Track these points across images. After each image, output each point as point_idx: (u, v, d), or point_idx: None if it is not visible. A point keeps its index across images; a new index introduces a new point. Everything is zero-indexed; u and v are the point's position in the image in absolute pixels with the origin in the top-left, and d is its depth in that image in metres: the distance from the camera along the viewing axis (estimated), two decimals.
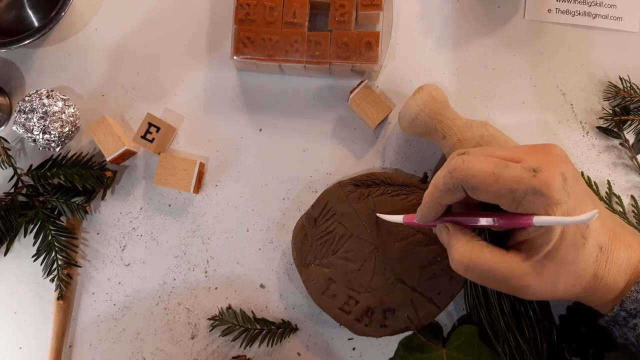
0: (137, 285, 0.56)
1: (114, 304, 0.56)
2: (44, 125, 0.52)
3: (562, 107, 0.57)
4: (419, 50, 0.58)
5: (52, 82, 0.58)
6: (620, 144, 0.56)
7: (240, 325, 0.54)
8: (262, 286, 0.56)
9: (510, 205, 0.39)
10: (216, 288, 0.56)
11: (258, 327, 0.54)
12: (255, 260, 0.56)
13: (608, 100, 0.57)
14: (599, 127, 0.57)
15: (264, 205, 0.56)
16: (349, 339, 0.55)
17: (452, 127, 0.50)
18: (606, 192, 0.55)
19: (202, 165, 0.56)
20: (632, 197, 0.55)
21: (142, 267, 0.56)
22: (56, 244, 0.55)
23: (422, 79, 0.57)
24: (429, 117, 0.50)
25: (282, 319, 0.55)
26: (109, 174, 0.55)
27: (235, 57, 0.53)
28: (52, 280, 0.55)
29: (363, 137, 0.57)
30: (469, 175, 0.39)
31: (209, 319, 0.55)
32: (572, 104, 0.57)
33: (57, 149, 0.55)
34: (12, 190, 0.55)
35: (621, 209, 0.54)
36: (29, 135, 0.53)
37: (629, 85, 0.56)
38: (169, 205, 0.57)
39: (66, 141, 0.55)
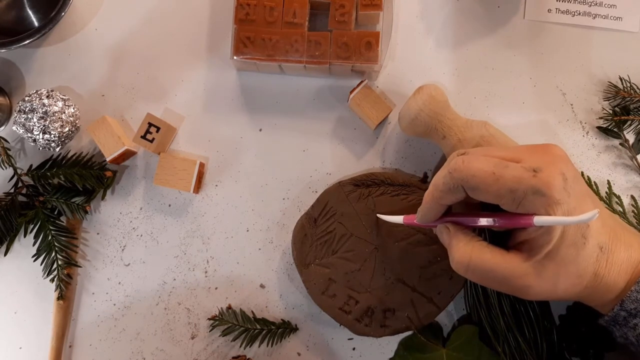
0: (137, 285, 0.56)
1: (114, 304, 0.56)
2: (44, 125, 0.52)
3: (562, 107, 0.57)
4: (419, 50, 0.58)
5: (52, 82, 0.58)
6: (620, 144, 0.56)
7: (240, 325, 0.54)
8: (262, 286, 0.56)
9: (510, 205, 0.39)
10: (216, 288, 0.56)
11: (258, 327, 0.54)
12: (255, 260, 0.56)
13: (608, 100, 0.57)
14: (599, 127, 0.57)
15: (264, 205, 0.56)
16: (349, 339, 0.55)
17: (452, 127, 0.50)
18: (606, 192, 0.55)
19: (202, 165, 0.56)
20: (632, 197, 0.55)
21: (142, 267, 0.56)
22: (56, 244, 0.55)
23: (422, 79, 0.57)
24: (429, 117, 0.50)
25: (282, 319, 0.55)
26: (109, 174, 0.55)
27: (235, 57, 0.53)
28: (52, 280, 0.55)
29: (363, 137, 0.57)
30: (469, 176, 0.39)
31: (209, 319, 0.55)
32: (572, 104, 0.57)
33: (57, 149, 0.55)
34: (12, 190, 0.55)
35: (621, 209, 0.54)
36: (29, 135, 0.53)
37: (629, 85, 0.56)
38: (169, 205, 0.57)
39: (66, 141, 0.55)
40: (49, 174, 0.55)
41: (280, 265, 0.56)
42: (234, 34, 0.53)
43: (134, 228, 0.56)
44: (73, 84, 0.58)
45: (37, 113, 0.52)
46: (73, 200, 0.55)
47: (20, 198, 0.56)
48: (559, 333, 0.52)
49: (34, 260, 0.55)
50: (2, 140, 0.56)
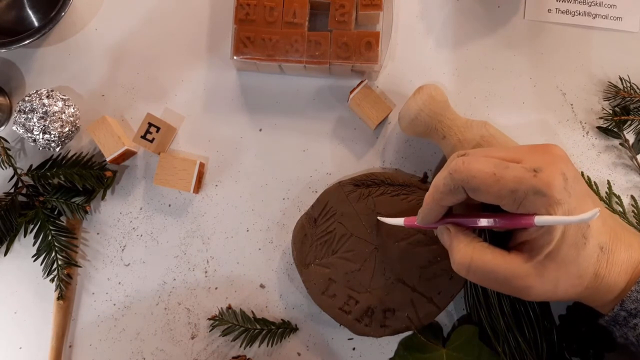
0: (137, 285, 0.56)
1: (114, 304, 0.56)
2: (44, 125, 0.52)
3: (562, 107, 0.57)
4: (419, 50, 0.58)
5: (52, 82, 0.58)
6: (620, 144, 0.56)
7: (240, 325, 0.54)
8: (262, 286, 0.56)
9: (511, 205, 0.39)
10: (216, 288, 0.56)
11: (258, 327, 0.54)
12: (255, 260, 0.56)
13: (608, 100, 0.57)
14: (599, 127, 0.57)
15: (264, 205, 0.56)
16: (349, 339, 0.55)
17: (452, 127, 0.50)
18: (606, 192, 0.55)
19: (202, 165, 0.56)
20: (632, 197, 0.55)
21: (142, 267, 0.56)
22: (56, 244, 0.55)
23: (422, 79, 0.57)
24: (428, 117, 0.50)
25: (282, 319, 0.55)
26: (109, 174, 0.55)
27: (235, 57, 0.53)
28: (52, 280, 0.55)
29: (363, 137, 0.57)
30: (470, 177, 0.39)
31: (209, 319, 0.55)
32: (572, 104, 0.57)
33: (57, 149, 0.55)
34: (12, 190, 0.55)
35: (621, 209, 0.54)
36: (29, 135, 0.53)
37: (629, 85, 0.56)
38: (169, 205, 0.57)
39: (66, 141, 0.55)
40: (49, 174, 0.55)
41: (280, 265, 0.56)
42: (234, 34, 0.53)
43: (134, 228, 0.56)
44: (73, 84, 0.58)
45: (37, 113, 0.52)
46: (73, 200, 0.55)
47: (20, 198, 0.56)
48: (559, 333, 0.52)
49: (34, 260, 0.55)
50: (2, 140, 0.56)
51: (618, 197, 0.55)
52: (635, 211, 0.55)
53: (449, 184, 0.40)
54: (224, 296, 0.56)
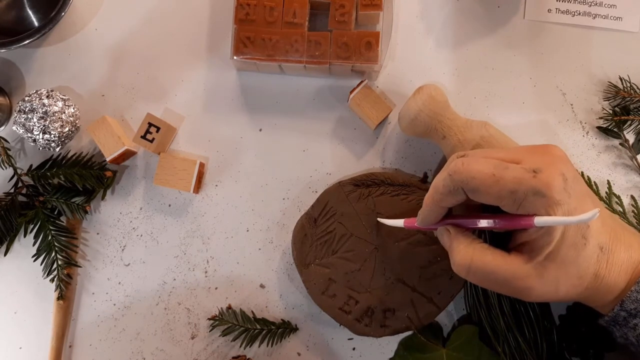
0: (137, 285, 0.56)
1: (114, 304, 0.56)
2: (44, 125, 0.52)
3: (562, 107, 0.57)
4: (419, 50, 0.58)
5: (52, 82, 0.58)
6: (620, 144, 0.56)
7: (240, 325, 0.54)
8: (262, 286, 0.56)
9: (511, 206, 0.39)
10: (216, 288, 0.56)
11: (258, 327, 0.54)
12: (255, 260, 0.56)
13: (608, 100, 0.57)
14: (599, 127, 0.57)
15: (264, 205, 0.56)
16: (349, 339, 0.55)
17: (452, 127, 0.50)
18: (606, 192, 0.55)
19: (202, 165, 0.56)
20: (632, 197, 0.55)
21: (142, 267, 0.56)
22: (56, 244, 0.55)
23: (422, 79, 0.57)
24: (428, 118, 0.50)
25: (282, 319, 0.55)
26: (109, 174, 0.55)
27: (235, 57, 0.53)
28: (52, 280, 0.55)
29: (363, 137, 0.57)
30: (469, 178, 0.39)
31: (209, 319, 0.55)
32: (572, 104, 0.57)
33: (57, 149, 0.55)
34: (12, 190, 0.55)
35: (621, 209, 0.54)
36: (29, 135, 0.53)
37: (629, 85, 0.56)
38: (169, 205, 0.57)
39: (66, 141, 0.55)
40: (49, 174, 0.55)
41: (280, 265, 0.56)
42: (234, 34, 0.53)
43: (134, 228, 0.56)
44: (73, 84, 0.58)
45: (37, 113, 0.52)
46: (73, 200, 0.55)
47: (20, 198, 0.56)
48: (559, 333, 0.52)
49: (34, 260, 0.55)
50: (2, 140, 0.56)
51: (618, 197, 0.55)
52: (635, 211, 0.55)
53: (449, 185, 0.40)
54: (224, 296, 0.56)
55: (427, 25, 0.58)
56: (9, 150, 0.56)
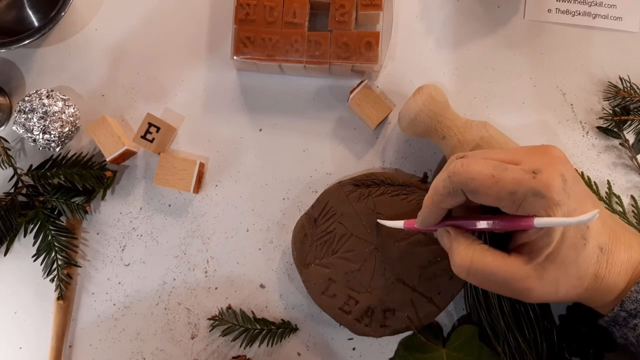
0: (137, 285, 0.56)
1: (114, 304, 0.56)
2: (44, 125, 0.52)
3: (562, 107, 0.57)
4: (419, 50, 0.58)
5: (52, 82, 0.58)
6: (620, 144, 0.56)
7: (240, 325, 0.54)
8: (262, 286, 0.56)
9: (510, 207, 0.39)
10: (216, 288, 0.56)
11: (258, 327, 0.54)
12: (255, 260, 0.56)
13: (608, 100, 0.57)
14: (599, 127, 0.57)
15: (264, 205, 0.56)
16: (349, 339, 0.55)
17: (451, 128, 0.50)
18: (606, 192, 0.55)
19: (202, 165, 0.56)
20: (632, 197, 0.55)
21: (142, 267, 0.56)
22: (56, 244, 0.55)
23: (422, 79, 0.57)
24: (428, 118, 0.50)
25: (282, 319, 0.55)
26: (109, 174, 0.55)
27: (235, 57, 0.53)
28: (52, 280, 0.55)
29: (363, 137, 0.57)
30: (469, 179, 0.39)
31: (209, 319, 0.55)
32: (572, 104, 0.57)
33: (57, 149, 0.55)
34: (12, 190, 0.55)
35: (621, 209, 0.54)
36: (29, 135, 0.53)
37: (629, 85, 0.56)
38: (169, 205, 0.57)
39: (66, 141, 0.55)
40: (49, 174, 0.55)
41: (280, 265, 0.56)
42: (234, 34, 0.53)
43: (134, 228, 0.56)
44: (73, 84, 0.58)
45: (37, 113, 0.52)
46: (73, 200, 0.55)
47: (20, 198, 0.56)
48: (559, 333, 0.52)
49: (34, 260, 0.55)
50: (2, 140, 0.56)
51: (618, 197, 0.55)
52: (635, 211, 0.55)
53: (448, 187, 0.40)
54: (224, 296, 0.56)
55: (427, 25, 0.58)
56: (9, 150, 0.56)
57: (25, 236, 0.55)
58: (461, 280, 0.52)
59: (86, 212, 0.55)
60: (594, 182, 0.55)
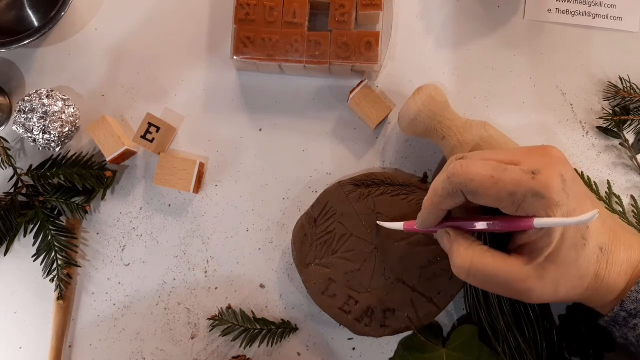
0: (137, 285, 0.56)
1: (114, 304, 0.56)
2: (44, 125, 0.52)
3: (562, 107, 0.57)
4: (419, 50, 0.58)
5: (52, 82, 0.58)
6: (620, 144, 0.56)
7: (240, 325, 0.54)
8: (262, 286, 0.56)
9: (510, 208, 0.39)
10: (216, 288, 0.56)
11: (258, 327, 0.54)
12: (255, 260, 0.56)
13: (608, 100, 0.57)
14: (599, 127, 0.57)
15: (264, 205, 0.56)
16: (349, 339, 0.55)
17: (451, 128, 0.50)
18: (606, 192, 0.55)
19: (202, 165, 0.56)
20: (632, 197, 0.55)
21: (142, 267, 0.56)
22: (56, 244, 0.55)
23: (422, 79, 0.57)
24: (428, 118, 0.50)
25: (282, 319, 0.55)
26: (109, 174, 0.55)
27: (235, 57, 0.53)
28: (52, 280, 0.55)
29: (363, 137, 0.57)
30: (468, 180, 0.39)
31: (209, 319, 0.55)
32: (572, 104, 0.57)
33: (57, 149, 0.55)
34: (12, 190, 0.55)
35: (621, 209, 0.54)
36: (29, 135, 0.53)
37: (629, 85, 0.56)
38: (169, 205, 0.57)
39: (66, 141, 0.55)
40: (49, 174, 0.55)
41: (280, 265, 0.56)
42: (234, 34, 0.53)
43: (134, 228, 0.56)
44: (73, 84, 0.58)
45: (37, 113, 0.52)
46: (73, 200, 0.55)
47: (20, 198, 0.56)
48: (559, 333, 0.52)
49: (34, 260, 0.55)
50: (2, 140, 0.56)
51: (618, 197, 0.55)
52: (635, 211, 0.55)
53: (448, 188, 0.40)
54: (224, 296, 0.56)
55: (427, 25, 0.58)
56: (9, 150, 0.56)
57: (25, 236, 0.55)
58: (461, 280, 0.52)
59: (86, 212, 0.55)
60: (594, 182, 0.55)
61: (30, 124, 0.52)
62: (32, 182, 0.56)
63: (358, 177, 0.54)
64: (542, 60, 0.57)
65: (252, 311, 0.56)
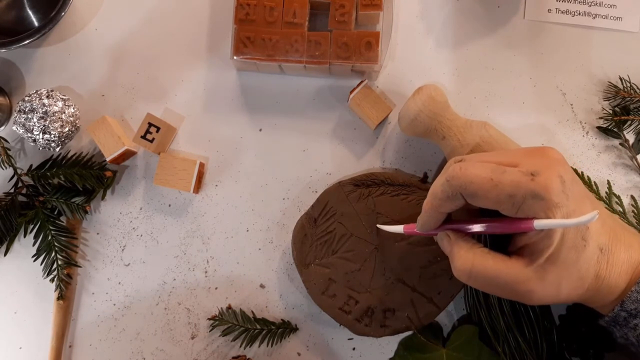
0: (137, 285, 0.56)
1: (114, 304, 0.56)
2: (44, 125, 0.52)
3: (562, 107, 0.57)
4: (419, 50, 0.58)
5: (52, 82, 0.58)
6: (620, 144, 0.56)
7: (240, 325, 0.54)
8: (262, 286, 0.56)
9: (510, 210, 0.39)
10: (216, 288, 0.56)
11: (258, 327, 0.54)
12: (255, 260, 0.56)
13: (608, 100, 0.57)
14: (599, 127, 0.57)
15: (264, 205, 0.56)
16: (349, 339, 0.55)
17: (451, 128, 0.50)
18: (606, 192, 0.55)
19: (202, 165, 0.56)
20: (632, 197, 0.55)
21: (142, 267, 0.56)
22: (56, 244, 0.55)
23: (422, 79, 0.57)
24: (428, 118, 0.50)
25: (282, 319, 0.55)
26: (109, 174, 0.55)
27: (235, 57, 0.53)
28: (52, 280, 0.55)
29: (363, 137, 0.57)
30: (467, 182, 0.39)
31: (209, 319, 0.55)
32: (572, 104, 0.57)
33: (57, 149, 0.55)
34: (12, 190, 0.55)
35: (621, 209, 0.54)
36: (29, 135, 0.53)
37: (629, 85, 0.56)
38: (169, 205, 0.57)
39: (66, 141, 0.55)
40: (49, 174, 0.55)
41: (280, 265, 0.56)
42: (234, 34, 0.53)
43: (134, 228, 0.56)
44: (73, 84, 0.58)
45: (37, 113, 0.52)
46: (73, 200, 0.55)
47: (20, 198, 0.56)
48: (559, 333, 0.52)
49: (34, 260, 0.55)
50: (2, 140, 0.56)
51: (618, 197, 0.55)
52: (635, 211, 0.55)
53: (447, 191, 0.40)
54: (224, 296, 0.56)
55: (427, 25, 0.58)
56: (9, 150, 0.56)
57: (25, 236, 0.55)
58: None
59: (86, 212, 0.55)
60: (594, 182, 0.55)
61: (30, 124, 0.52)
62: (32, 182, 0.56)
63: (358, 177, 0.54)
64: (542, 60, 0.57)
65: (252, 311, 0.56)
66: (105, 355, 0.56)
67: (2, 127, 0.58)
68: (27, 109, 0.52)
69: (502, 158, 0.41)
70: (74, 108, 0.54)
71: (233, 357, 0.55)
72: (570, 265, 0.40)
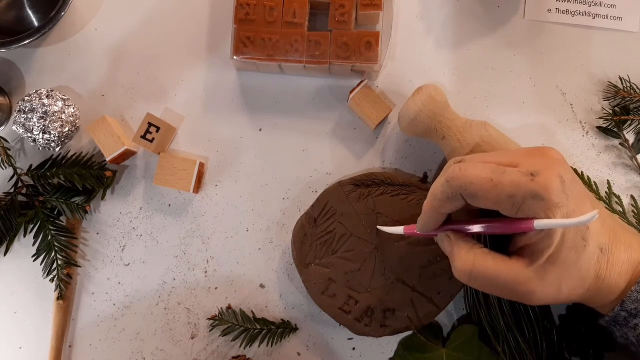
0: (137, 285, 0.56)
1: (114, 304, 0.56)
2: (44, 125, 0.52)
3: (562, 107, 0.57)
4: (419, 50, 0.58)
5: (52, 82, 0.58)
6: (620, 144, 0.56)
7: (240, 325, 0.54)
8: (262, 286, 0.56)
9: (510, 210, 0.39)
10: (216, 288, 0.56)
11: (258, 327, 0.54)
12: (255, 260, 0.56)
13: (608, 100, 0.57)
14: (599, 127, 0.57)
15: (264, 205, 0.56)
16: (349, 339, 0.55)
17: (451, 128, 0.50)
18: (606, 192, 0.55)
19: (202, 165, 0.56)
20: (632, 197, 0.55)
21: (142, 267, 0.56)
22: (56, 244, 0.55)
23: (422, 79, 0.57)
24: (428, 118, 0.50)
25: (282, 319, 0.55)
26: (109, 174, 0.55)
27: (235, 57, 0.53)
28: (52, 280, 0.55)
29: (363, 137, 0.57)
30: (467, 183, 0.39)
31: (209, 319, 0.55)
32: (572, 104, 0.57)
33: (57, 149, 0.55)
34: (12, 190, 0.55)
35: (621, 209, 0.54)
36: (29, 135, 0.53)
37: (629, 85, 0.56)
38: (169, 205, 0.57)
39: (66, 141, 0.55)
40: (49, 174, 0.55)
41: (280, 265, 0.56)
42: (234, 34, 0.53)
43: (134, 228, 0.56)
44: (73, 84, 0.58)
45: (37, 113, 0.52)
46: (73, 200, 0.55)
47: (20, 198, 0.56)
48: (559, 333, 0.52)
49: (34, 260, 0.55)
50: (2, 140, 0.56)
51: (618, 197, 0.55)
52: (635, 211, 0.55)
53: (447, 192, 0.40)
54: (224, 296, 0.56)
55: (427, 25, 0.58)
56: (9, 150, 0.56)
57: (25, 236, 0.55)
58: None
59: (86, 212, 0.55)
60: (594, 182, 0.55)
61: (30, 124, 0.52)
62: (32, 182, 0.56)
63: (358, 177, 0.54)
64: (542, 60, 0.57)
65: (252, 311, 0.56)
66: (105, 355, 0.56)
67: (2, 127, 0.58)
68: (27, 109, 0.52)
69: (502, 158, 0.41)
70: (74, 108, 0.54)
71: (233, 357, 0.55)
72: (570, 265, 0.40)
